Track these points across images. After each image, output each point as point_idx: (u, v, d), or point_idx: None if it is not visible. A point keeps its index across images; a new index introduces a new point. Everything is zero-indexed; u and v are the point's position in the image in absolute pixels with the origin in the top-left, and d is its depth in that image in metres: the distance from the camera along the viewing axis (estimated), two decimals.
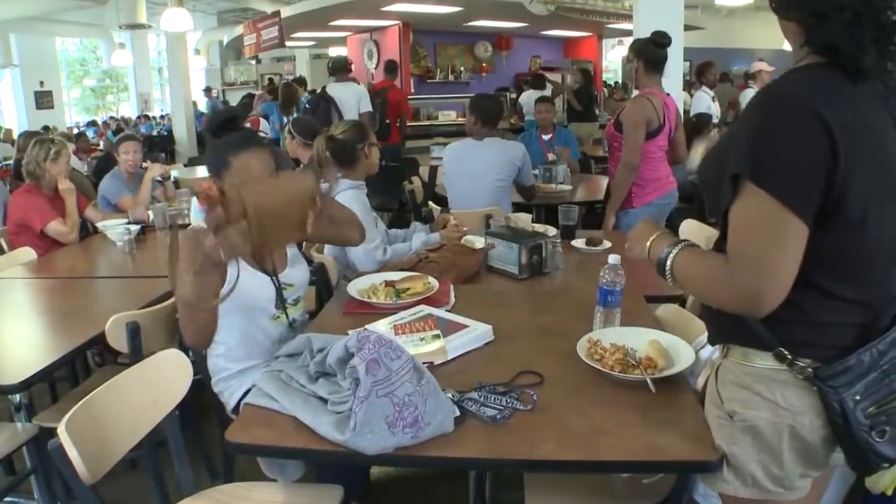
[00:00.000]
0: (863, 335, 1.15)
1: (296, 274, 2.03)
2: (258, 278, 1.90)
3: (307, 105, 6.46)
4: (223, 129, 1.86)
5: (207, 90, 14.96)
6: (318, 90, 6.28)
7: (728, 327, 1.23)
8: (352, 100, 6.07)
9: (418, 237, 2.68)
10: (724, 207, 1.13)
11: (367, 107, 6.15)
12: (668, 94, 3.34)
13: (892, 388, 1.13)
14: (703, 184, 1.26)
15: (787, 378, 1.17)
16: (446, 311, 2.02)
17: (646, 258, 1.34)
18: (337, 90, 6.15)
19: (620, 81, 12.99)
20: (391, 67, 7.37)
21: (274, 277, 1.93)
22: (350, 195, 2.54)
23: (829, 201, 1.06)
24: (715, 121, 6.34)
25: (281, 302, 1.93)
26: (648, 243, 1.33)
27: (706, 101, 6.41)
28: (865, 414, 1.12)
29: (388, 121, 6.91)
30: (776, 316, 1.12)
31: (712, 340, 1.32)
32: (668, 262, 1.25)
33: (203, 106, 14.14)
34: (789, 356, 1.16)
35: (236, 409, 1.93)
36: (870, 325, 1.16)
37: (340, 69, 6.25)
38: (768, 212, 1.06)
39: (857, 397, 1.12)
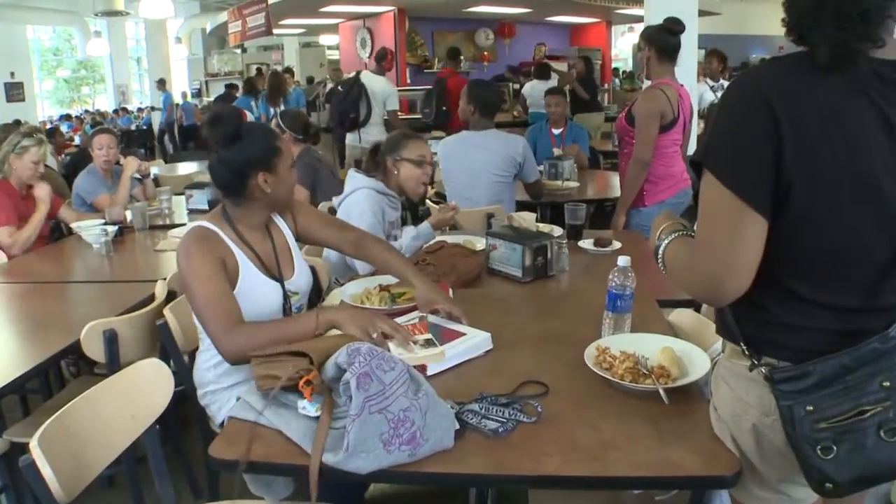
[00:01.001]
0: (842, 343, 1.13)
1: (301, 280, 2.06)
2: (267, 286, 1.92)
3: (339, 88, 6.72)
4: (234, 139, 1.85)
5: (160, 82, 14.12)
6: (353, 74, 6.65)
7: (718, 322, 1.31)
8: (380, 95, 6.29)
9: (407, 233, 2.70)
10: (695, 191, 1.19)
11: (392, 105, 6.39)
12: (681, 85, 3.34)
13: (852, 406, 1.10)
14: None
15: (755, 376, 1.21)
16: (442, 316, 2.03)
17: (654, 248, 1.38)
18: (370, 80, 6.34)
19: (630, 71, 12.98)
20: (453, 54, 8.03)
21: (282, 284, 1.96)
22: (363, 195, 2.56)
23: (779, 192, 1.10)
24: None
25: (287, 311, 1.96)
26: (657, 233, 1.37)
27: (703, 94, 6.35)
28: (813, 428, 1.11)
29: (444, 108, 7.26)
30: (744, 312, 1.21)
31: (717, 332, 1.37)
32: (661, 251, 1.32)
33: (162, 101, 13.73)
34: (750, 353, 1.21)
35: (223, 423, 1.93)
36: (853, 333, 1.14)
37: (381, 59, 6.47)
38: (721, 199, 1.13)
39: (809, 408, 1.12)
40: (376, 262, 2.14)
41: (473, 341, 1.74)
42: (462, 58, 8.90)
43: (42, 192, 3.35)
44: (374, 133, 6.14)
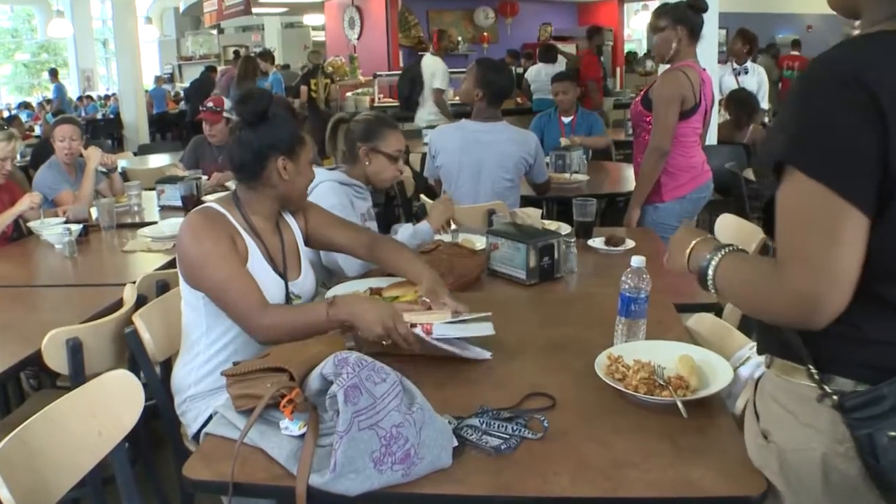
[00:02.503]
0: None
1: (307, 284, 2.08)
2: (271, 280, 1.95)
3: (406, 68, 7.48)
4: (260, 120, 1.92)
5: (52, 73, 14.30)
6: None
7: (769, 336, 1.24)
8: (427, 73, 6.98)
9: (404, 230, 2.67)
10: (768, 198, 1.13)
11: (437, 83, 6.94)
12: (703, 69, 3.34)
13: None
14: (759, 176, 1.27)
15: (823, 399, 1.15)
16: None
17: (686, 270, 1.33)
18: (427, 60, 7.08)
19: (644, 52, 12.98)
20: (593, 33, 8.67)
21: (287, 283, 1.99)
22: (326, 188, 2.53)
23: (886, 183, 1.04)
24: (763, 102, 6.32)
25: None
26: (688, 251, 1.32)
27: (723, 78, 6.35)
28: None
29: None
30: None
31: (760, 350, 1.32)
32: (711, 271, 1.24)
33: (53, 94, 13.78)
34: (818, 376, 1.14)
35: (197, 436, 1.93)
36: None
37: (435, 39, 7.41)
38: (816, 200, 1.05)
39: (892, 433, 1.07)
40: (389, 264, 2.17)
41: (476, 324, 1.80)
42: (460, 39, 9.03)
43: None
44: (423, 114, 6.94)
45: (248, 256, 1.91)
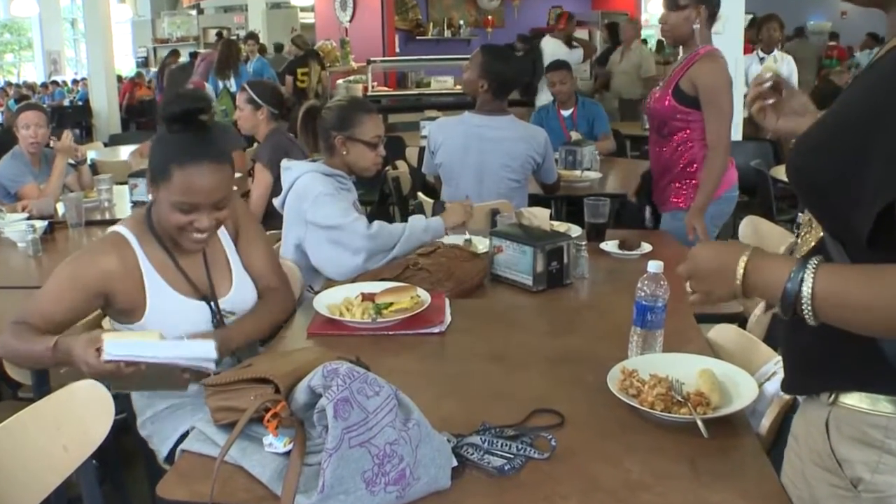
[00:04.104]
0: None
1: (239, 298, 2.06)
2: (186, 306, 1.94)
3: (516, 46, 7.89)
4: (179, 122, 1.87)
5: None
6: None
7: (845, 365, 1.16)
8: (548, 57, 7.20)
9: (416, 221, 2.63)
10: (861, 223, 1.05)
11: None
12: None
13: None
14: (807, 177, 1.17)
15: None
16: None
17: (737, 296, 1.18)
18: (546, 43, 7.54)
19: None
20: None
21: (212, 303, 1.97)
22: (309, 179, 2.53)
23: None
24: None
25: None
26: (741, 270, 1.16)
27: (750, 67, 6.35)
28: None
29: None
30: None
31: (817, 386, 1.22)
32: (807, 294, 1.08)
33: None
34: None
35: (170, 457, 1.93)
36: None
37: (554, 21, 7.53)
38: None
39: None
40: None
41: (192, 344, 1.73)
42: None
43: None
44: (542, 99, 6.97)
45: (145, 298, 1.90)
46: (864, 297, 1.05)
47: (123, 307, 1.90)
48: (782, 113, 1.54)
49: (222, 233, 2.09)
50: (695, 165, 3.25)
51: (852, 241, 1.11)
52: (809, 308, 1.08)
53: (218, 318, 1.98)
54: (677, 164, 3.30)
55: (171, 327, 1.84)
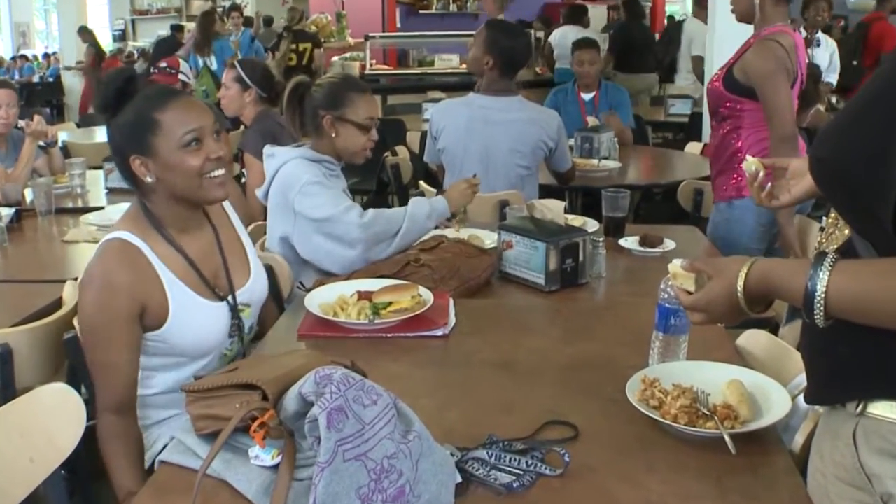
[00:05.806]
0: None
1: (257, 287, 2.08)
2: (206, 309, 1.94)
3: (667, 28, 8.28)
4: (123, 97, 1.86)
5: None
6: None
7: (874, 372, 1.17)
8: (686, 37, 7.63)
9: (419, 206, 2.62)
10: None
11: (698, 50, 7.09)
12: (796, 31, 3.26)
13: None
14: (830, 165, 1.18)
15: None
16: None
17: (743, 313, 1.28)
18: (690, 21, 7.81)
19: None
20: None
21: (230, 297, 1.98)
22: (294, 166, 2.52)
23: None
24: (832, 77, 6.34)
25: (237, 331, 2.00)
26: (741, 284, 1.25)
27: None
28: None
29: (855, 62, 7.65)
30: None
31: (843, 395, 1.23)
32: (820, 289, 1.11)
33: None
34: None
35: (151, 469, 1.93)
36: None
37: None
38: None
39: None
40: None
41: None
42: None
43: None
44: (679, 80, 7.72)
45: (168, 305, 1.86)
46: (883, 293, 1.08)
47: (150, 322, 1.87)
48: (787, 185, 1.71)
49: (233, 215, 2.12)
50: (738, 157, 3.18)
51: (880, 238, 1.11)
52: (820, 308, 1.12)
53: (235, 322, 1.98)
54: (722, 156, 3.28)
55: (193, 332, 1.89)
